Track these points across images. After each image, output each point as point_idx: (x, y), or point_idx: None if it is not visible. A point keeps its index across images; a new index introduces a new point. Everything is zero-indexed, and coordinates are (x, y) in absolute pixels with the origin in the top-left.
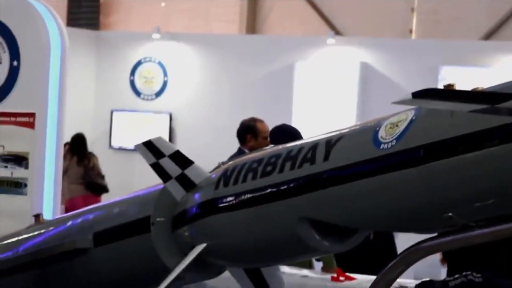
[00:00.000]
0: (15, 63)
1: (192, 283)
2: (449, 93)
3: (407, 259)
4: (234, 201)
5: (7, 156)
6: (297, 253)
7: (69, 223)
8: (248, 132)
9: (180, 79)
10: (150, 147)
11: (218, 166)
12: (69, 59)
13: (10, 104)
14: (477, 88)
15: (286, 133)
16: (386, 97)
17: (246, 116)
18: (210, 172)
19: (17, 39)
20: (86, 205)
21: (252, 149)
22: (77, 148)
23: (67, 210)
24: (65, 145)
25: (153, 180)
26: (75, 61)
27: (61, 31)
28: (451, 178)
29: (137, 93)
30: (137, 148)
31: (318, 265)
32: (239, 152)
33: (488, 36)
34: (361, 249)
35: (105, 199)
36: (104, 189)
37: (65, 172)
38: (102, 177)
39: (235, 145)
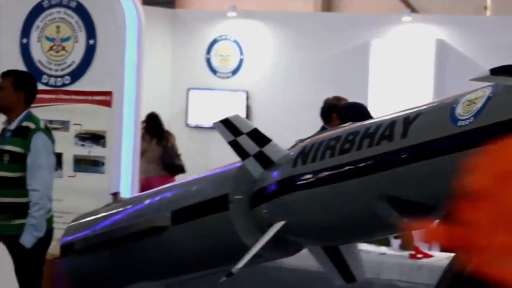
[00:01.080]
0: (91, 41)
1: (271, 260)
2: None
3: None
4: (312, 179)
5: (84, 135)
6: (375, 230)
7: (147, 201)
8: (333, 110)
9: (256, 57)
10: (228, 125)
11: (296, 144)
12: (145, 38)
13: (87, 83)
14: None
15: (355, 110)
16: (462, 74)
17: (322, 94)
18: (288, 149)
19: (93, 18)
20: (161, 185)
21: None
22: (154, 128)
23: (142, 189)
24: (142, 123)
25: (230, 158)
26: (151, 40)
27: (137, 10)
28: None
29: (213, 71)
30: (215, 126)
31: (396, 242)
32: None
33: None
34: None
35: (180, 177)
36: (182, 170)
37: (144, 152)
38: (179, 156)
39: (312, 122)
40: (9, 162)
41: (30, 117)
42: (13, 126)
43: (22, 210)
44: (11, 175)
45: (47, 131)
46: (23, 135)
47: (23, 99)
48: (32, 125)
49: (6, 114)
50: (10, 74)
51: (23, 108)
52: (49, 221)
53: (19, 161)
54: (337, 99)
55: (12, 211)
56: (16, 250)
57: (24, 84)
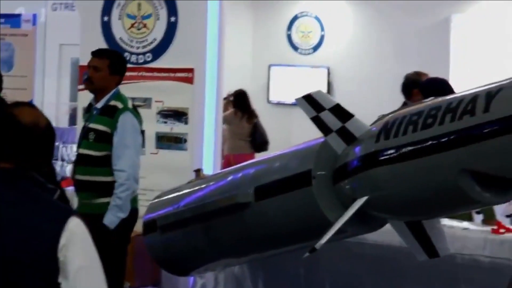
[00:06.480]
0: (172, 19)
1: (354, 236)
2: None
3: None
4: (395, 154)
5: (166, 112)
6: (458, 205)
7: (230, 177)
8: (414, 86)
9: (337, 33)
10: (310, 100)
11: (378, 119)
12: (226, 15)
13: (169, 60)
14: None
15: (438, 85)
16: None
17: (403, 69)
18: (370, 125)
19: None
20: (243, 161)
21: None
22: (243, 105)
23: (226, 166)
24: (224, 99)
25: (312, 134)
26: (232, 16)
27: None
28: None
29: (294, 47)
30: (297, 101)
31: (479, 217)
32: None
33: None
34: None
35: (261, 154)
36: (267, 147)
37: (231, 127)
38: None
39: (394, 98)
40: (95, 140)
41: (119, 96)
42: (100, 104)
43: (106, 189)
44: (96, 153)
45: (135, 111)
46: (110, 114)
47: (116, 82)
48: (120, 105)
49: (96, 94)
50: (107, 56)
51: (113, 89)
52: (134, 200)
53: (104, 140)
54: (418, 74)
55: (95, 190)
56: (98, 230)
57: (120, 69)
